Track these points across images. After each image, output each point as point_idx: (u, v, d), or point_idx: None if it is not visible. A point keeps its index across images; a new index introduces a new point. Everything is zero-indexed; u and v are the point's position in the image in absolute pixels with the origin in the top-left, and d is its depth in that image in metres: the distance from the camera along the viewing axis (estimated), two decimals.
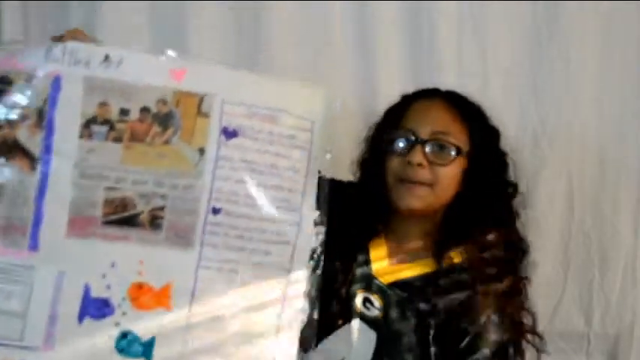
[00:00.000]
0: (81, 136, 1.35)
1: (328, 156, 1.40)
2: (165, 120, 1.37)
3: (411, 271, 1.47)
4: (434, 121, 1.44)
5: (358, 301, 1.47)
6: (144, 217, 1.34)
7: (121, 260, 1.33)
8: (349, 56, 1.86)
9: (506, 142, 1.52)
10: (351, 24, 1.84)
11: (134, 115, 1.36)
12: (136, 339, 1.32)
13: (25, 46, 1.40)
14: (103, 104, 1.36)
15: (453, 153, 1.43)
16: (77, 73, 1.35)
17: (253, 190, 1.38)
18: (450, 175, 1.43)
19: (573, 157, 1.84)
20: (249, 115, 1.39)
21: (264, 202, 1.38)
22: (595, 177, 1.84)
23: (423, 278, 1.44)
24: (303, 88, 1.43)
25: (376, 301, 1.47)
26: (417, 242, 1.48)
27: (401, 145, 1.44)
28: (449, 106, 1.46)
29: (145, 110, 1.37)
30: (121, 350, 1.32)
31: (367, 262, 1.49)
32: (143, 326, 1.33)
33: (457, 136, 1.44)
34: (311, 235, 1.39)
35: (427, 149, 1.42)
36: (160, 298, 1.34)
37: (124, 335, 1.32)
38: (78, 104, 1.35)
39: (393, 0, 1.80)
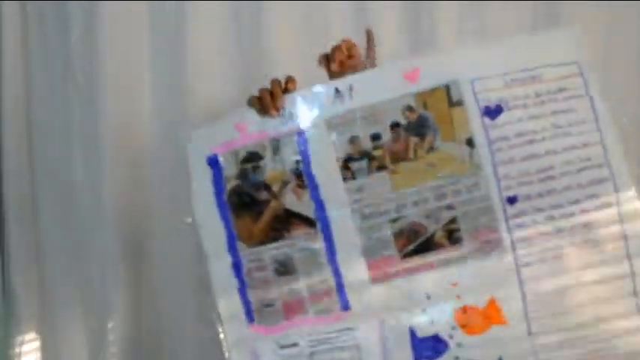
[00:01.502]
0: (344, 179, 1.27)
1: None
2: (419, 127, 1.25)
3: None
4: None
5: None
6: (440, 237, 1.24)
7: (434, 289, 1.24)
8: None
9: None
10: (351, 24, 1.81)
11: (386, 136, 1.26)
12: None
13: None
14: (354, 139, 1.26)
15: None
16: (316, 120, 1.27)
17: (545, 160, 1.22)
18: None
19: None
20: (507, 85, 1.23)
21: (564, 169, 1.22)
22: None
23: None
24: (553, 34, 1.27)
25: None
26: None
27: None
28: None
29: (395, 126, 1.26)
30: None
31: None
32: (485, 352, 1.24)
33: None
34: (630, 184, 1.21)
35: None
36: (491, 316, 1.23)
37: None
38: (329, 149, 1.27)
39: (393, 0, 1.78)
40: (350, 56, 1.32)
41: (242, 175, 1.30)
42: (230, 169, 1.30)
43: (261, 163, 1.29)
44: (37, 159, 1.89)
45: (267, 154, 1.29)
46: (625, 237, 1.20)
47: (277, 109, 1.26)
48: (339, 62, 1.31)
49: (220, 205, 1.30)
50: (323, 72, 1.74)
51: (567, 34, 1.25)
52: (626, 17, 1.82)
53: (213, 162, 1.30)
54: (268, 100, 1.26)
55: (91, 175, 1.81)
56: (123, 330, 1.85)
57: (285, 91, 1.26)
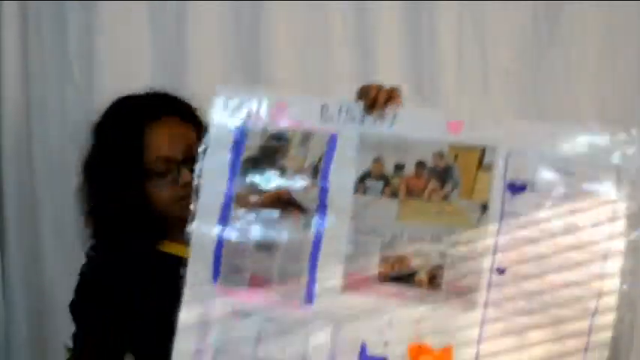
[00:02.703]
0: (356, 191, 1.30)
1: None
2: (442, 175, 1.29)
3: None
4: (177, 140, 1.51)
5: None
6: (421, 277, 1.27)
7: (398, 319, 1.26)
8: (349, 56, 1.86)
9: None
10: (351, 24, 1.84)
11: (409, 170, 1.30)
12: None
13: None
14: (378, 160, 1.31)
15: None
16: (352, 131, 1.32)
17: (544, 250, 1.25)
18: None
19: None
20: (539, 170, 1.27)
21: (558, 265, 1.24)
22: None
23: None
24: (605, 134, 1.27)
25: None
26: None
27: (168, 178, 1.50)
28: (182, 121, 1.54)
29: (420, 165, 1.30)
30: None
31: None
32: None
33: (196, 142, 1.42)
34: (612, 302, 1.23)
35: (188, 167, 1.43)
36: None
37: None
38: (352, 161, 1.31)
39: (393, 0, 1.79)
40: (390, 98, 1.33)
41: (264, 149, 1.34)
42: (254, 139, 1.34)
43: (287, 146, 1.33)
44: (36, 159, 1.89)
45: (295, 141, 1.33)
46: (585, 349, 1.24)
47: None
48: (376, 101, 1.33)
49: (233, 165, 1.34)
50: (321, 73, 1.85)
51: (617, 138, 1.26)
52: (626, 17, 1.82)
53: (241, 125, 1.35)
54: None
55: None
56: None
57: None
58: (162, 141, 1.51)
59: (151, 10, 1.82)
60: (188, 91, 1.71)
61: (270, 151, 1.33)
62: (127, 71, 1.81)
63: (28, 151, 1.88)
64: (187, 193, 1.37)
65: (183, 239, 1.37)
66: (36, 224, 1.88)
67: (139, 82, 1.76)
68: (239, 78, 1.81)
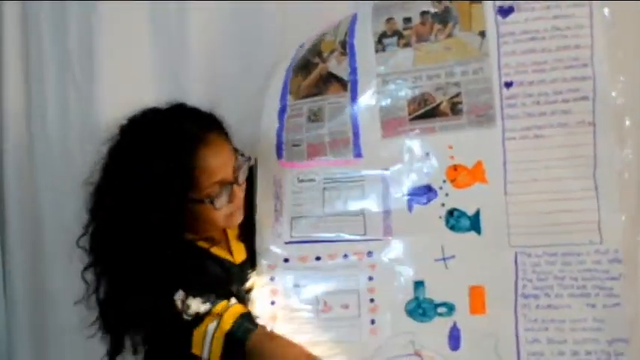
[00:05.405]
0: (376, 51, 1.54)
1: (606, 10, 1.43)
2: (443, 16, 1.50)
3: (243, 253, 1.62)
4: (227, 159, 1.49)
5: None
6: (444, 107, 1.50)
7: (433, 149, 1.50)
8: None
9: None
10: None
11: (416, 20, 1.52)
12: (463, 214, 1.48)
13: None
14: (389, 19, 1.53)
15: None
16: (367, 5, 1.57)
17: (540, 56, 1.45)
18: None
19: None
20: None
21: (553, 65, 1.44)
22: None
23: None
24: None
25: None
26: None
27: (224, 199, 1.49)
28: (224, 137, 1.52)
29: (424, 13, 1.52)
30: (451, 227, 1.50)
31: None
32: (467, 203, 1.49)
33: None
34: (608, 85, 1.43)
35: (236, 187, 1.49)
36: (475, 175, 1.48)
37: (451, 213, 1.49)
38: (369, 27, 1.55)
39: (393, 0, 1.71)
40: None
41: (311, 47, 1.60)
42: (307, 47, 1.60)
43: (323, 37, 1.59)
44: (36, 159, 1.89)
45: (330, 31, 1.59)
46: (594, 124, 1.44)
47: None
48: None
49: (288, 71, 1.62)
50: None
51: None
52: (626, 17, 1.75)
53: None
54: None
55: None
56: None
57: None
58: (215, 164, 1.46)
59: (150, 10, 1.82)
60: (188, 91, 1.76)
61: (314, 48, 1.60)
62: (127, 71, 1.82)
63: (29, 151, 1.89)
64: (237, 207, 1.52)
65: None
66: (37, 223, 1.90)
67: (139, 82, 1.80)
68: (240, 78, 1.82)
